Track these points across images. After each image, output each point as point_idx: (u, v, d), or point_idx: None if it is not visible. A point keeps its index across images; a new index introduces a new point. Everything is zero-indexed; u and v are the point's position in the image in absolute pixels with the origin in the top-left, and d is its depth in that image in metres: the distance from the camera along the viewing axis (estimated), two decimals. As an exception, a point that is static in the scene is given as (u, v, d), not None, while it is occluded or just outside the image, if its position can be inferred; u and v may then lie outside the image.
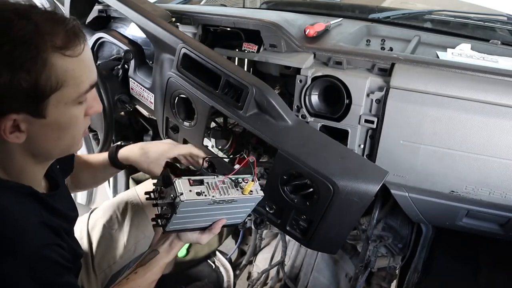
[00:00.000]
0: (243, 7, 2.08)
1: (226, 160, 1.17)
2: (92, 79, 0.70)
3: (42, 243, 0.68)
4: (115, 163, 1.18)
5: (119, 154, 1.17)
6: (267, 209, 1.10)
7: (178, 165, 1.18)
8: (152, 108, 1.32)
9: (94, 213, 1.31)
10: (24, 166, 0.74)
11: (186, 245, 1.80)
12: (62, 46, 0.63)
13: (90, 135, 1.96)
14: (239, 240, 1.84)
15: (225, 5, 1.96)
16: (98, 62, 1.46)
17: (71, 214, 0.93)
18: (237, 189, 0.85)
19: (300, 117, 1.13)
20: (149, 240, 1.30)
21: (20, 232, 0.66)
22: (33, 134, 0.67)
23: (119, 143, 1.24)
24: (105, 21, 1.61)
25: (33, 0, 1.79)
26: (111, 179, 2.12)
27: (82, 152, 2.03)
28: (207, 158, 1.09)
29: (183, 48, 1.12)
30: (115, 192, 2.13)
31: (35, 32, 0.60)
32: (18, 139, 0.66)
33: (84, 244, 1.22)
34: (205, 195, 0.80)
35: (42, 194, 0.77)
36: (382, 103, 1.02)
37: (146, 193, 0.94)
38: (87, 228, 1.26)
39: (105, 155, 1.19)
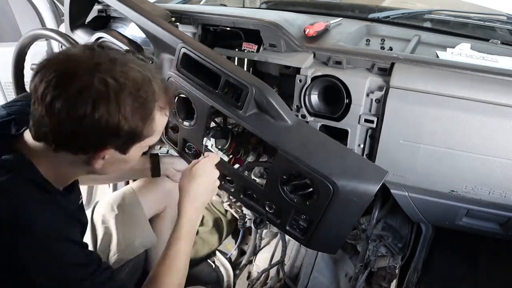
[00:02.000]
0: (243, 7, 2.08)
1: (226, 159, 1.17)
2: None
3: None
4: (155, 173, 1.27)
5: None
6: (267, 209, 1.10)
7: None
8: (152, 108, 1.32)
9: (97, 208, 1.31)
10: (69, 174, 0.84)
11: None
12: (163, 107, 0.80)
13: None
14: (239, 240, 1.85)
15: (225, 5, 1.96)
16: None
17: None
18: None
19: (300, 116, 1.13)
20: (144, 234, 1.31)
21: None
22: (107, 163, 0.79)
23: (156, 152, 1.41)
24: (105, 21, 1.61)
25: (33, 1, 1.80)
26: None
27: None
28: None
29: (182, 48, 1.12)
30: (115, 190, 2.13)
31: (154, 95, 0.76)
32: (98, 165, 0.78)
33: (87, 239, 1.23)
34: None
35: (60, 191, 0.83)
36: (381, 102, 1.02)
37: None
38: (91, 222, 1.26)
39: (145, 162, 1.27)
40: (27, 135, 0.78)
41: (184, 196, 0.98)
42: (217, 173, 1.03)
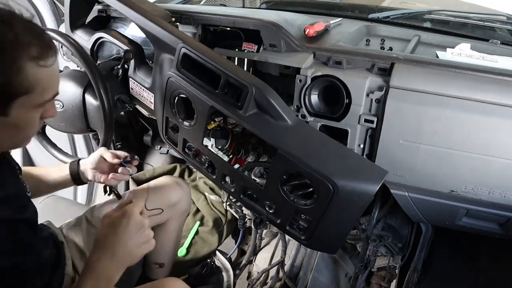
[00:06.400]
0: (243, 7, 2.08)
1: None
2: (56, 89, 0.77)
3: None
4: (77, 181, 1.16)
5: (80, 171, 1.15)
6: (267, 209, 1.10)
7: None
8: (152, 108, 1.32)
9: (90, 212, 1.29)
10: None
11: (186, 245, 1.81)
12: (37, 56, 0.68)
13: (90, 135, 1.96)
14: (239, 240, 1.85)
15: (225, 5, 1.96)
16: (98, 62, 1.46)
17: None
18: None
19: (300, 116, 1.14)
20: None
21: None
22: None
23: (78, 159, 1.19)
24: (105, 21, 1.61)
25: (33, 1, 1.80)
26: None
27: (83, 152, 2.03)
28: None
29: (183, 48, 1.12)
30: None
31: (15, 40, 0.66)
32: None
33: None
34: None
35: None
36: (381, 102, 1.02)
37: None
38: (85, 223, 1.23)
39: (66, 172, 1.15)
40: None
41: (99, 249, 0.81)
42: (146, 222, 0.86)
